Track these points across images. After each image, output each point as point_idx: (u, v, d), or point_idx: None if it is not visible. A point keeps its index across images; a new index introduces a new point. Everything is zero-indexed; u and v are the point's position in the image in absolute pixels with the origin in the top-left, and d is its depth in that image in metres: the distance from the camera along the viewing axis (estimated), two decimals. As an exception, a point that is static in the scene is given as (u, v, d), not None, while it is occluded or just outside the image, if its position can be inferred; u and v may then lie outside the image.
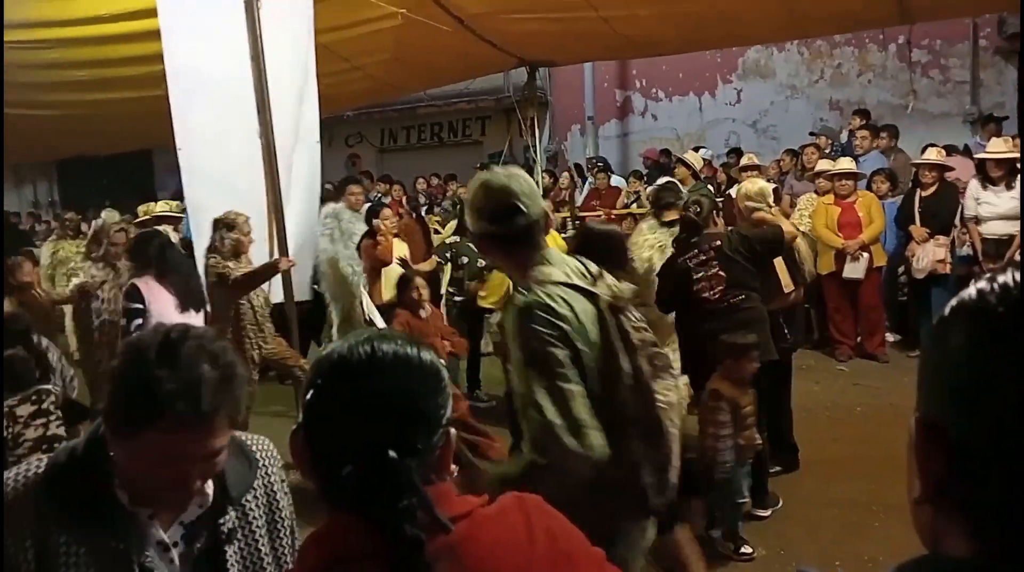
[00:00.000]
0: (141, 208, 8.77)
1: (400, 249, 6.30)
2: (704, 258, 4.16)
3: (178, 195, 11.38)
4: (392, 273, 6.04)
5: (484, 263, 6.06)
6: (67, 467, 1.33)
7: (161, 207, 8.35)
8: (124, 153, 13.91)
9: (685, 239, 4.33)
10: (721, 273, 4.11)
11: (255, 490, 1.51)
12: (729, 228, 4.90)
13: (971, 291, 0.69)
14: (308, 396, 1.07)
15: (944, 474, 0.68)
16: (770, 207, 4.64)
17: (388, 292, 6.10)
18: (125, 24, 5.62)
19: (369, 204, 7.12)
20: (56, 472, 1.33)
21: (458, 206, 7.11)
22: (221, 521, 1.42)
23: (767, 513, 4.20)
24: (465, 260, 6.31)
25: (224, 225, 4.94)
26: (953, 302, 0.70)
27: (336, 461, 1.02)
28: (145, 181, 16.06)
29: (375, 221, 6.17)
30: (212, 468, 1.33)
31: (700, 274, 4.15)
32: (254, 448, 1.55)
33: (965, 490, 0.67)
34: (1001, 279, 0.67)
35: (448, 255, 6.58)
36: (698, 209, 4.32)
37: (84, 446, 1.34)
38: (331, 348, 1.10)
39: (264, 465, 1.54)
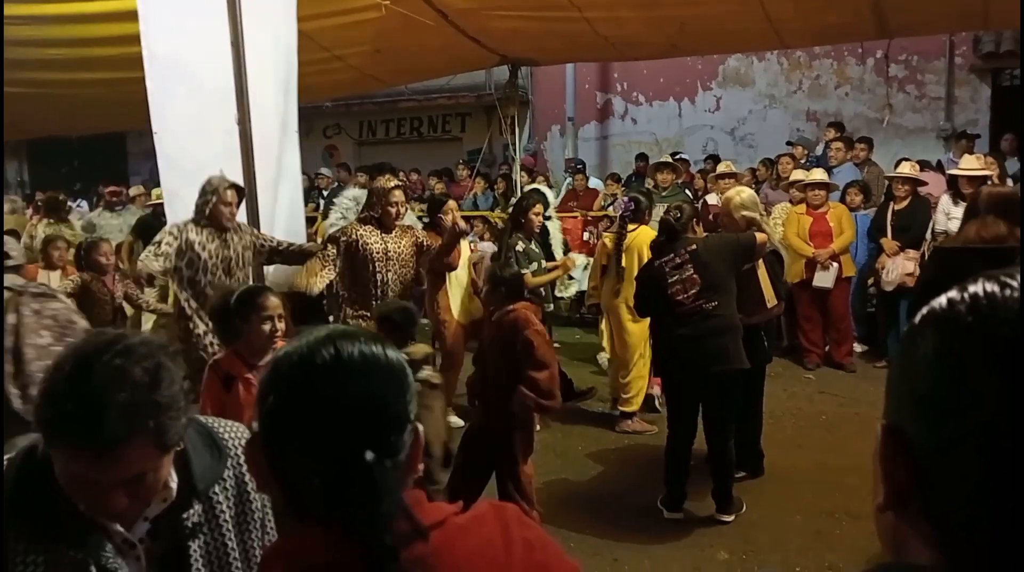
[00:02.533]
0: (155, 191, 8.99)
1: (465, 251, 5.90)
2: (679, 262, 4.18)
3: (151, 180, 11.31)
4: (462, 279, 5.78)
5: (549, 266, 5.92)
6: (23, 472, 1.27)
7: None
8: (97, 136, 13.71)
9: (662, 243, 4.35)
10: (695, 277, 4.14)
11: (224, 481, 1.45)
12: (707, 234, 4.94)
13: (941, 300, 0.67)
14: (267, 401, 1.00)
15: (907, 482, 0.67)
16: (762, 215, 4.68)
17: (457, 302, 5.77)
18: (103, 3, 5.52)
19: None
20: (13, 477, 1.27)
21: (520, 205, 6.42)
22: (185, 516, 1.37)
23: (731, 518, 4.23)
24: (534, 266, 5.78)
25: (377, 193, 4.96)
26: (923, 310, 0.69)
27: (303, 469, 0.97)
28: (118, 165, 15.84)
29: (442, 215, 5.68)
30: (143, 492, 1.25)
31: (674, 278, 4.17)
32: (225, 436, 1.48)
33: (927, 499, 0.66)
34: (972, 289, 0.66)
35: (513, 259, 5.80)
36: (678, 214, 4.33)
37: (41, 450, 1.27)
38: (288, 349, 1.03)
39: (236, 454, 1.47)
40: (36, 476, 1.24)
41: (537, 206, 5.92)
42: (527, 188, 7.99)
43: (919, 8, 6.24)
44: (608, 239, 5.84)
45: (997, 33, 9.97)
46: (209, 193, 4.70)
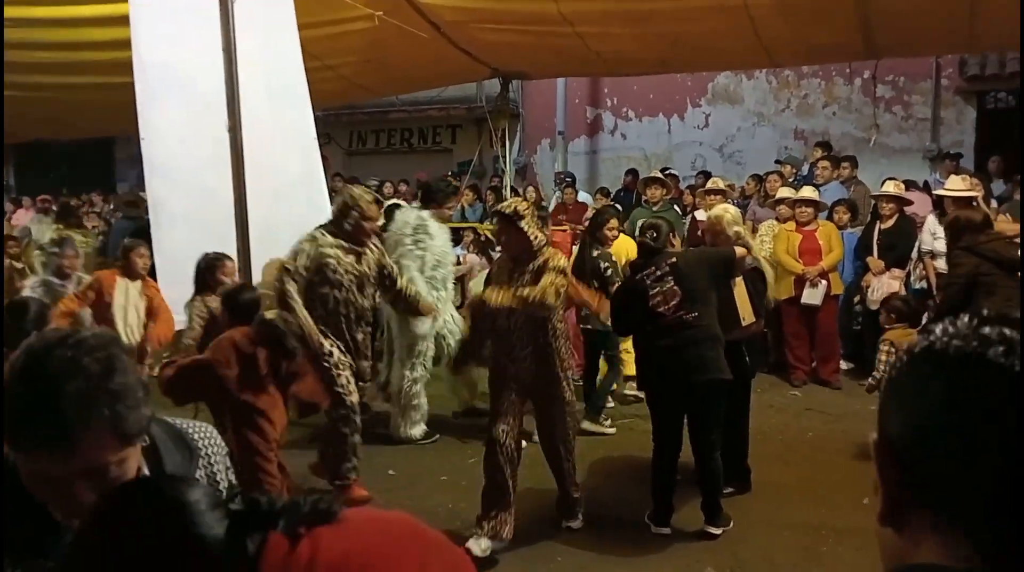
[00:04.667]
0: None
1: None
2: (660, 274, 4.20)
3: (138, 186, 11.16)
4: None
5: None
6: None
7: None
8: (85, 140, 13.65)
9: (641, 264, 4.36)
10: (676, 288, 4.15)
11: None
12: (688, 248, 4.97)
13: (937, 329, 0.72)
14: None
15: (898, 494, 0.72)
16: (746, 231, 4.72)
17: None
18: (94, 7, 5.52)
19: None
20: None
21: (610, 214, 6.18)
22: None
23: (719, 531, 4.22)
24: (607, 270, 5.58)
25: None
26: (921, 338, 0.74)
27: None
28: (105, 171, 15.76)
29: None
30: (108, 485, 1.22)
31: (656, 289, 4.19)
32: (195, 436, 1.50)
33: (919, 512, 0.70)
34: (958, 323, 0.71)
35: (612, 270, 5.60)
36: (655, 234, 4.35)
37: (10, 460, 1.26)
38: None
39: (207, 454, 1.49)
40: (6, 487, 1.23)
41: (612, 221, 5.76)
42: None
43: (907, 28, 6.32)
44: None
45: (982, 56, 10.11)
46: (351, 206, 4.41)
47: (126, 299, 5.30)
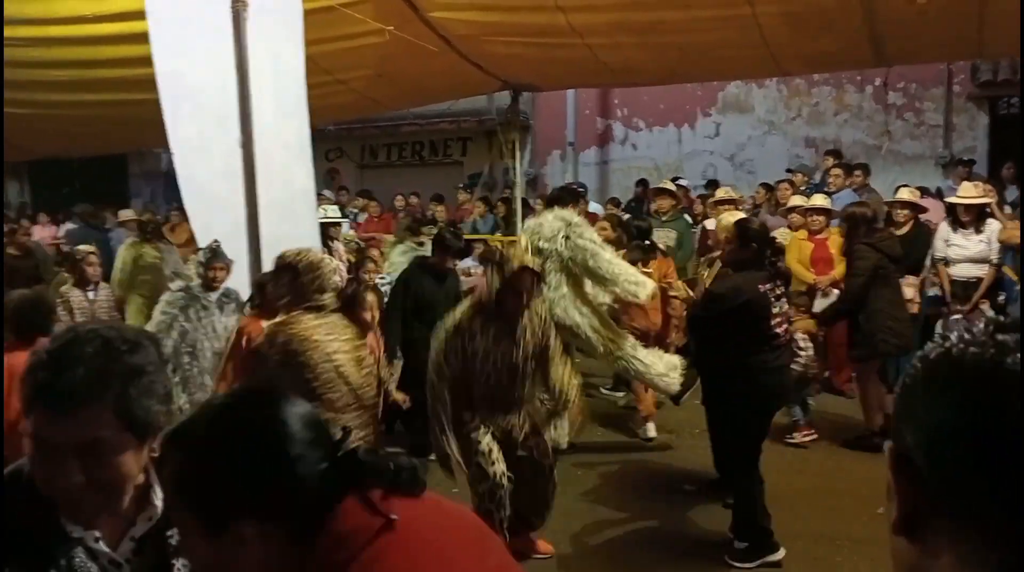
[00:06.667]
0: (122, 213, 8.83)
1: None
2: (779, 294, 4.18)
3: (152, 202, 11.25)
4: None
5: None
6: (7, 496, 1.28)
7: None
8: (98, 157, 13.76)
9: (752, 257, 4.23)
10: (788, 313, 4.27)
11: None
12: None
13: (953, 337, 0.70)
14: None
15: (914, 503, 0.70)
16: None
17: None
18: (108, 25, 5.57)
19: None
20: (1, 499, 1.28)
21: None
22: (169, 534, 1.36)
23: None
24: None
25: None
26: (933, 349, 0.72)
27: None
28: (119, 187, 15.88)
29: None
30: (99, 470, 1.25)
31: (776, 309, 4.13)
32: None
33: (937, 521, 0.68)
34: (974, 330, 0.69)
35: None
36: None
37: (26, 472, 1.29)
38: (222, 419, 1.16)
39: None
40: (20, 499, 1.25)
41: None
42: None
43: (915, 35, 6.30)
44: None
45: (994, 62, 10.06)
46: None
47: None
